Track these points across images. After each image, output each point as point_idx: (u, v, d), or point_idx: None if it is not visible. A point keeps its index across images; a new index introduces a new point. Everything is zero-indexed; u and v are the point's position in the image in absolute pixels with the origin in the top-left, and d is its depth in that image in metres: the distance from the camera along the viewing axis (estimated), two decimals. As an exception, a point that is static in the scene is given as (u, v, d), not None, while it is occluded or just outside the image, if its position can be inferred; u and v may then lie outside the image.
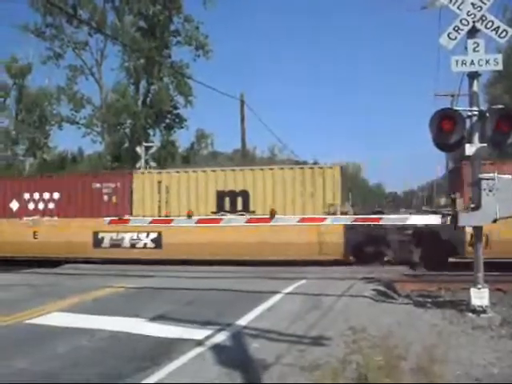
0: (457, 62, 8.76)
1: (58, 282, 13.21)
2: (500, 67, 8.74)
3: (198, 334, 7.62)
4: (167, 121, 42.27)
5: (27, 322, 8.60)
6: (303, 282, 12.35)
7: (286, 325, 8.18)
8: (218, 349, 6.92)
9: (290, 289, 11.33)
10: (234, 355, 6.73)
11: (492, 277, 12.24)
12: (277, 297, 10.39)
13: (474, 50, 8.72)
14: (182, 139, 62.55)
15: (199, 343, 7.13)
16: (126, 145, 40.85)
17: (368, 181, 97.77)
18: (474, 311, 8.68)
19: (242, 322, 8.37)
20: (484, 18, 8.75)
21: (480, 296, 8.68)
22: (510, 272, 14.38)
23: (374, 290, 11.08)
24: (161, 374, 5.89)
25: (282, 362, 6.35)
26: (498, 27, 8.68)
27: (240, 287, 11.50)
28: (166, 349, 6.91)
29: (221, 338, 7.47)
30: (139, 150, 29.75)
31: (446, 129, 8.57)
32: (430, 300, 10.31)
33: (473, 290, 8.73)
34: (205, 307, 9.71)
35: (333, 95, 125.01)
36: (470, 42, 8.77)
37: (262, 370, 6.07)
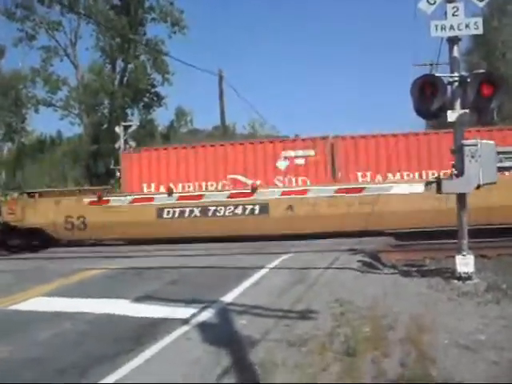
0: (436, 26, 8.62)
1: (41, 265, 12.99)
2: (480, 31, 8.61)
3: (183, 312, 7.51)
4: (145, 100, 41.84)
5: (10, 308, 8.42)
6: (289, 255, 12.28)
7: (272, 299, 8.11)
8: (203, 327, 6.82)
9: (275, 263, 11.26)
10: (220, 333, 6.63)
11: (475, 243, 12.36)
12: (262, 272, 10.30)
13: (454, 15, 8.58)
14: (162, 118, 62.07)
15: (184, 322, 7.01)
16: (105, 125, 40.34)
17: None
18: (459, 278, 8.68)
19: (228, 298, 8.27)
20: (463, -19, 8.60)
21: (465, 263, 8.66)
22: (493, 238, 14.48)
23: (359, 261, 11.04)
24: (146, 355, 5.77)
25: (269, 338, 6.27)
26: (477, -10, 8.54)
27: (225, 263, 11.40)
28: (150, 329, 6.79)
29: (206, 315, 7.37)
30: (118, 129, 29.40)
31: (428, 95, 8.45)
32: (415, 269, 10.30)
33: (458, 257, 8.72)
34: (190, 285, 9.61)
35: (312, 71, 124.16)
36: (450, 6, 8.62)
37: (248, 347, 5.98)
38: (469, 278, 8.65)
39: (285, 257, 12.09)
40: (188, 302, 8.05)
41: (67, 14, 39.38)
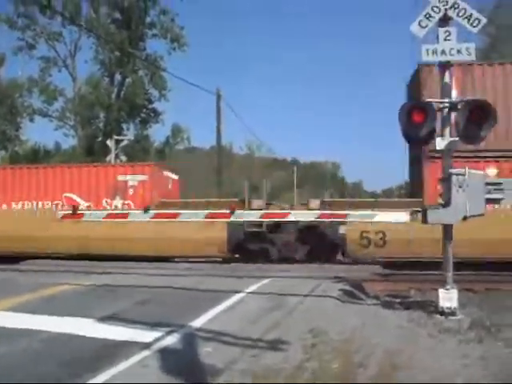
0: (427, 50, 8.32)
1: (10, 278, 12.56)
2: (473, 57, 8.31)
3: (147, 336, 7.06)
4: (142, 115, 41.61)
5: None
6: (268, 280, 11.85)
7: (244, 326, 7.69)
8: (165, 353, 6.38)
9: (253, 288, 10.81)
10: (181, 360, 6.21)
11: (462, 276, 11.97)
12: (238, 296, 9.86)
13: (446, 39, 8.29)
14: (158, 134, 61.84)
15: (146, 346, 6.57)
16: (100, 138, 40.04)
17: (346, 179, 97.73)
18: (442, 313, 8.27)
19: (197, 323, 7.83)
20: (456, 6, 8.31)
21: (449, 297, 8.26)
22: (481, 271, 14.13)
23: (341, 289, 10.61)
24: (95, 382, 5.35)
25: (233, 368, 5.85)
26: (471, 15, 8.25)
27: (202, 286, 10.97)
28: (108, 353, 6.35)
29: (171, 340, 6.93)
30: (109, 143, 29.10)
31: (416, 121, 8.13)
32: (398, 300, 9.89)
33: (441, 291, 8.31)
34: (160, 306, 9.17)
35: (311, 95, 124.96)
36: (442, 30, 8.34)
37: (209, 377, 5.57)
38: (452, 313, 8.24)
39: (265, 281, 11.66)
40: (154, 325, 7.61)
41: (68, 26, 39.41)
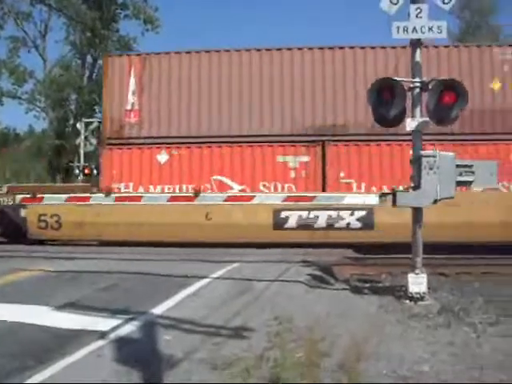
0: (398, 28, 8.05)
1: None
2: (444, 35, 8.06)
3: (105, 324, 6.77)
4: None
5: None
6: (236, 264, 11.57)
7: (207, 313, 7.42)
8: (121, 342, 6.10)
9: (220, 272, 10.53)
10: (138, 350, 5.92)
11: (434, 260, 11.85)
12: (203, 281, 9.58)
13: (417, 16, 8.02)
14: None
15: (102, 335, 6.28)
16: (71, 121, 39.31)
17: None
18: (411, 298, 8.09)
19: (158, 310, 7.55)
20: (428, -19, 8.06)
21: (418, 282, 8.09)
22: (456, 255, 14.06)
23: (309, 274, 10.39)
24: (44, 375, 5.03)
25: (192, 358, 5.60)
26: (443, -9, 8.01)
27: (168, 271, 10.61)
28: (62, 342, 6.04)
29: (129, 329, 6.64)
30: (79, 126, 28.50)
31: (386, 101, 7.89)
32: (368, 285, 9.73)
33: (410, 276, 8.13)
34: (123, 293, 8.84)
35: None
36: (413, 7, 8.06)
37: (165, 368, 5.31)
38: (421, 298, 8.08)
39: (233, 266, 11.37)
40: (114, 312, 7.32)
41: (37, 5, 38.39)
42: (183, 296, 8.46)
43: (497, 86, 16.42)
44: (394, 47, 16.24)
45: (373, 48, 17.21)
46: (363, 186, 15.51)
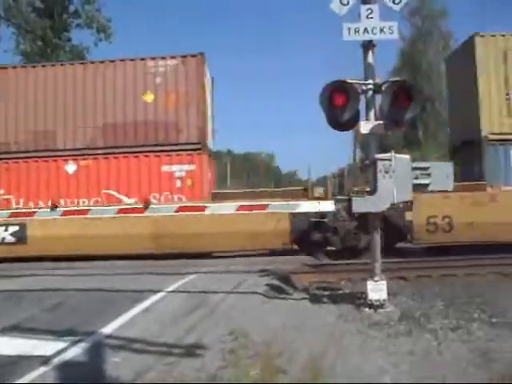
0: (349, 29, 7.86)
1: None
2: (395, 36, 7.90)
3: (50, 348, 6.31)
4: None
5: None
6: (193, 276, 11.19)
7: (160, 330, 7.05)
8: (66, 367, 5.68)
9: (175, 286, 10.10)
10: (83, 374, 5.52)
11: (394, 264, 11.72)
12: (157, 296, 9.16)
13: (368, 17, 7.86)
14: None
15: (45, 361, 5.84)
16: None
17: (281, 169, 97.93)
18: (371, 306, 7.88)
19: (108, 329, 7.12)
20: (378, -18, 7.90)
21: (377, 289, 7.88)
22: (412, 258, 14.01)
23: (267, 284, 10.07)
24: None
25: (141, 380, 5.24)
26: (393, -8, 7.85)
27: (120, 285, 10.18)
28: (1, 371, 5.61)
29: (75, 351, 6.21)
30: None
31: (338, 104, 7.67)
32: (327, 293, 9.51)
33: (369, 283, 7.92)
34: (70, 312, 8.35)
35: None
36: (364, 7, 7.90)
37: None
38: (381, 305, 7.87)
39: (189, 278, 10.98)
40: (60, 334, 6.86)
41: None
42: (135, 312, 8.03)
43: (149, 98, 16.58)
44: None
45: None
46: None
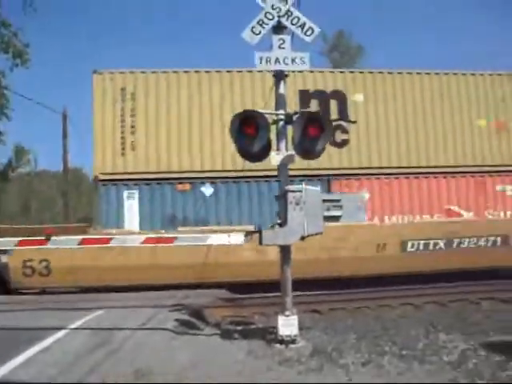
0: (261, 59, 7.78)
1: None
2: (307, 67, 7.90)
3: None
4: (-20, 135, 38.14)
5: None
6: (101, 312, 10.61)
7: (57, 372, 6.51)
8: None
9: (80, 322, 9.50)
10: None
11: (309, 297, 11.60)
12: (60, 334, 8.52)
13: (280, 47, 7.81)
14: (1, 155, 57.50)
15: None
16: None
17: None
18: (282, 342, 7.64)
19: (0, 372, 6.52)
20: (290, 14, 7.86)
21: (288, 324, 7.66)
22: (329, 291, 13.94)
23: (177, 319, 9.65)
24: None
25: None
26: (304, 24, 7.84)
27: (19, 323, 9.49)
28: None
29: (-44, 399, 5.64)
30: None
31: (248, 134, 7.52)
32: (240, 328, 9.20)
33: (280, 318, 7.69)
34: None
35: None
36: (276, 37, 7.86)
37: None
38: (292, 341, 7.65)
39: (95, 314, 10.40)
40: None
41: None
42: (32, 353, 7.38)
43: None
44: None
45: None
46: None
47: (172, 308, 10.93)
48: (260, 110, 7.65)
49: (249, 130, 7.45)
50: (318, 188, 7.72)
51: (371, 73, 18.06)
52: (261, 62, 7.76)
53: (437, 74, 18.26)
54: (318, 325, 9.46)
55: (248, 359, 7.19)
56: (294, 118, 7.73)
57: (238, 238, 7.95)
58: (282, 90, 7.93)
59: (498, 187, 17.76)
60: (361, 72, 18.39)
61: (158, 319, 9.74)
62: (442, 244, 15.41)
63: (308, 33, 7.85)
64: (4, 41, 37.01)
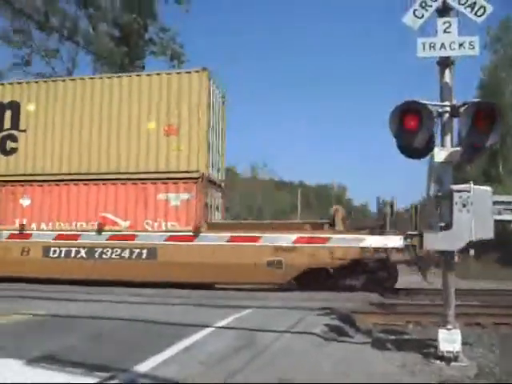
0: (424, 45, 7.04)
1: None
2: (476, 52, 6.98)
3: (75, 385, 5.71)
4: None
5: None
6: (247, 311, 10.40)
7: (200, 372, 6.30)
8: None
9: (225, 321, 9.29)
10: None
11: (466, 308, 10.57)
12: (204, 332, 8.34)
13: (445, 31, 7.02)
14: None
15: (66, 400, 5.23)
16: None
17: (353, 201, 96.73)
18: (442, 358, 6.84)
19: (144, 366, 6.36)
20: (457, -8, 7.05)
21: (451, 339, 6.85)
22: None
23: (326, 324, 9.12)
24: None
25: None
26: (475, 3, 6.96)
27: (168, 318, 9.51)
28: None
29: (103, 391, 5.58)
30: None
31: (410, 127, 6.80)
32: (392, 338, 8.56)
33: (441, 332, 6.89)
34: (111, 344, 7.71)
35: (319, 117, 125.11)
36: (440, 21, 7.07)
37: None
38: (455, 358, 6.82)
39: (243, 312, 10.22)
40: (92, 369, 6.20)
41: (66, 42, 38.49)
42: (177, 349, 7.22)
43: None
44: None
45: None
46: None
47: (319, 311, 10.44)
48: (423, 101, 6.88)
49: (411, 123, 6.73)
50: (489, 188, 6.78)
51: (45, 82, 19.08)
52: (424, 49, 7.02)
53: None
54: (482, 340, 8.55)
55: (401, 373, 6.55)
56: (462, 109, 6.88)
57: (397, 241, 7.27)
58: (447, 78, 7.12)
59: (161, 196, 16.52)
60: (36, 82, 19.22)
61: (306, 322, 9.25)
62: (83, 252, 15.88)
63: (479, 12, 6.96)
64: (163, 45, 39.11)
